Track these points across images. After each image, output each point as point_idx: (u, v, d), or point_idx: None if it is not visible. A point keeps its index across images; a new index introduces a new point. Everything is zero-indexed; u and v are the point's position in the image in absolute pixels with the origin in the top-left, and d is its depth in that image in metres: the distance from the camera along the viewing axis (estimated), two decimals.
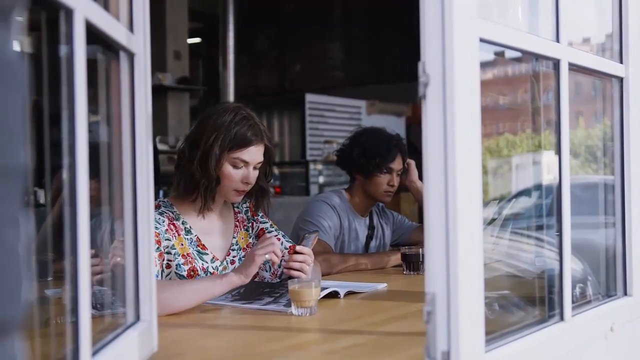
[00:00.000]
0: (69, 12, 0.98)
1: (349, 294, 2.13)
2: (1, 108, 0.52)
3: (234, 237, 2.31)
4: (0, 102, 0.52)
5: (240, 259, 2.28)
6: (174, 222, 2.16)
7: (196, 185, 2.16)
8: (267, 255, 1.93)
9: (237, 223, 2.34)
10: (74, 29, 0.99)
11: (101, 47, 1.26)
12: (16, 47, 0.55)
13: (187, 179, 2.17)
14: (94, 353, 1.07)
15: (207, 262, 2.18)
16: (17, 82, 0.54)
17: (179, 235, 2.15)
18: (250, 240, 2.34)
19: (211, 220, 2.25)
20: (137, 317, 1.35)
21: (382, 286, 2.30)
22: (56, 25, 1.01)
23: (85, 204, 1.01)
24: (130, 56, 1.33)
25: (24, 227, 0.56)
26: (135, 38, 1.34)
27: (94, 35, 1.11)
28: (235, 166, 2.16)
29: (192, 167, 2.13)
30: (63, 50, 1.01)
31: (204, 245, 2.20)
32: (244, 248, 2.32)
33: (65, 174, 1.01)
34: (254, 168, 2.20)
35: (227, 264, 2.25)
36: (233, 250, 2.29)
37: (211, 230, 2.25)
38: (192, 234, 2.19)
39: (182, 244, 2.14)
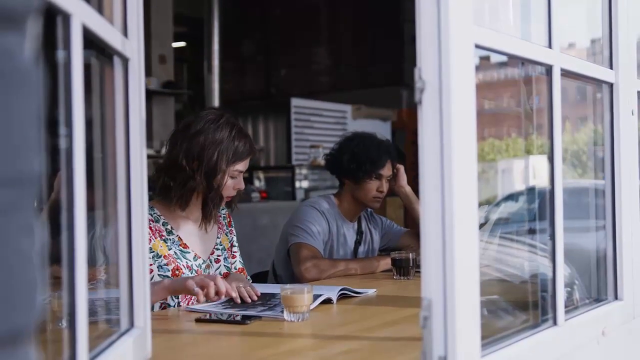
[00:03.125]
0: (67, 17, 0.98)
1: (342, 297, 2.13)
2: (16, 115, 0.52)
3: (218, 237, 2.39)
4: (15, 109, 0.52)
5: (225, 258, 2.38)
6: (153, 224, 2.21)
7: (191, 195, 2.23)
8: (196, 289, 1.90)
9: (220, 225, 2.42)
10: (71, 34, 0.98)
11: (95, 51, 1.25)
12: (31, 53, 0.55)
13: (189, 192, 2.22)
14: None
15: (190, 260, 2.24)
16: (32, 89, 0.54)
17: (157, 237, 2.20)
18: (229, 244, 2.44)
19: (195, 222, 2.31)
20: (131, 324, 1.34)
21: (372, 291, 2.30)
22: (52, 29, 1.00)
23: (82, 209, 1.00)
24: (125, 61, 1.32)
25: (38, 235, 0.55)
26: (129, 43, 1.33)
27: (89, 40, 1.10)
28: (232, 177, 2.26)
29: (196, 182, 2.19)
30: (60, 54, 1.00)
31: (185, 244, 2.26)
32: (227, 249, 2.41)
33: (61, 179, 1.00)
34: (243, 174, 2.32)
35: (211, 262, 2.33)
36: (217, 249, 2.37)
37: (195, 231, 2.31)
38: (173, 234, 2.24)
39: (160, 246, 2.19)
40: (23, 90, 0.54)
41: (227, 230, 2.45)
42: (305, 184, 7.44)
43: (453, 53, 1.15)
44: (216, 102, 8.24)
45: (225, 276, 2.35)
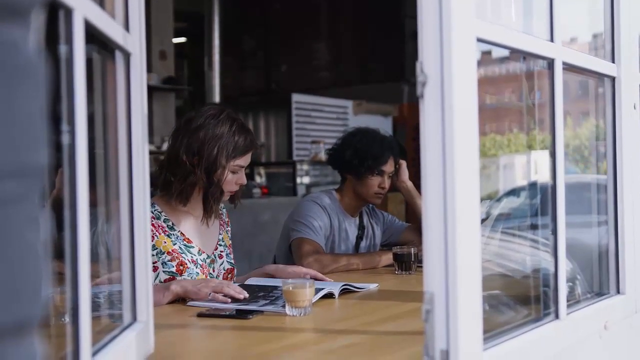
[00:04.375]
0: (69, 12, 0.98)
1: (344, 292, 2.14)
2: (22, 107, 0.52)
3: (220, 234, 2.40)
4: (20, 101, 0.52)
5: (227, 254, 2.40)
6: (155, 221, 2.22)
7: (192, 190, 2.24)
8: (210, 295, 2.00)
9: (222, 222, 2.43)
10: (73, 28, 0.98)
11: (97, 46, 1.25)
12: (35, 46, 0.55)
13: (189, 187, 2.23)
14: (94, 354, 1.07)
15: (195, 255, 2.26)
16: (37, 81, 0.54)
17: (160, 234, 2.21)
18: (230, 242, 2.46)
19: (197, 217, 2.32)
20: (134, 318, 1.34)
21: (374, 286, 2.31)
22: (54, 24, 1.00)
23: (85, 205, 1.00)
24: (127, 56, 1.32)
25: (43, 227, 0.55)
26: (131, 37, 1.33)
27: (91, 35, 1.10)
28: (233, 172, 2.26)
29: (196, 177, 2.20)
30: (62, 49, 1.00)
31: (189, 239, 2.27)
32: (228, 245, 2.43)
33: (63, 175, 1.00)
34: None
35: (215, 257, 2.34)
36: (220, 245, 2.39)
37: (197, 226, 2.32)
38: (175, 230, 2.25)
39: (165, 242, 2.21)
40: (28, 83, 0.54)
41: (227, 229, 2.47)
42: (306, 179, 7.44)
43: (455, 46, 1.14)
44: (217, 98, 8.24)
45: (230, 272, 2.37)
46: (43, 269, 0.56)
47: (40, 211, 0.56)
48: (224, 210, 2.49)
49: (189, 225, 2.30)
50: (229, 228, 2.49)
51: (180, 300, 2.09)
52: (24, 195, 0.53)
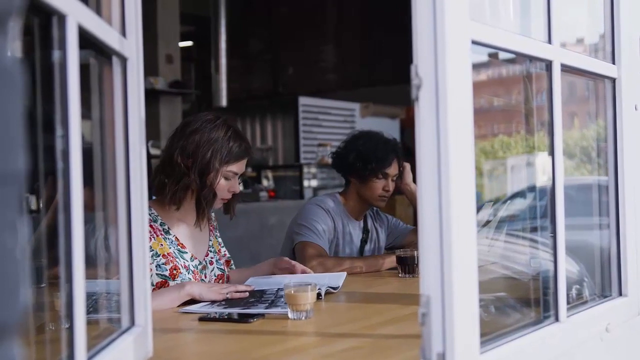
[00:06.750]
0: (62, 18, 0.98)
1: (327, 293, 2.16)
2: (0, 114, 0.52)
3: (210, 240, 2.43)
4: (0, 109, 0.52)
5: (217, 260, 2.42)
6: (152, 223, 2.24)
7: (185, 193, 2.25)
8: (229, 295, 2.09)
9: (211, 228, 2.46)
10: (66, 34, 0.99)
11: (93, 51, 1.25)
12: (13, 52, 0.55)
13: (182, 189, 2.24)
14: (90, 358, 1.07)
15: (187, 261, 2.28)
16: (15, 88, 0.54)
17: (157, 236, 2.23)
18: (220, 247, 2.47)
19: (189, 224, 2.34)
20: (132, 322, 1.34)
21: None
22: (48, 30, 1.00)
23: (79, 209, 1.00)
24: (123, 61, 1.33)
25: (22, 232, 0.56)
26: (127, 42, 1.34)
27: (86, 40, 1.10)
28: (226, 178, 2.28)
29: (190, 179, 2.22)
30: (55, 55, 1.01)
31: (182, 244, 2.29)
32: (217, 251, 2.44)
33: (59, 180, 1.01)
34: (239, 177, 2.34)
35: (206, 263, 2.36)
36: (211, 251, 2.41)
37: (189, 233, 2.34)
38: (171, 234, 2.27)
39: (161, 245, 2.23)
40: (6, 90, 0.54)
41: (217, 234, 2.50)
42: (313, 182, 7.44)
43: (449, 49, 1.14)
44: (224, 102, 8.25)
45: (220, 277, 2.38)
46: (22, 274, 0.56)
47: (20, 216, 0.56)
48: (212, 214, 2.50)
49: (182, 230, 2.32)
50: (218, 232, 2.51)
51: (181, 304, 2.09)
52: (2, 201, 0.53)
